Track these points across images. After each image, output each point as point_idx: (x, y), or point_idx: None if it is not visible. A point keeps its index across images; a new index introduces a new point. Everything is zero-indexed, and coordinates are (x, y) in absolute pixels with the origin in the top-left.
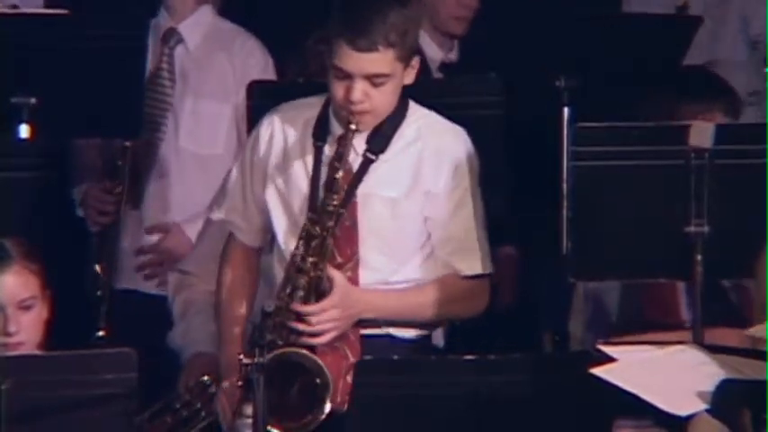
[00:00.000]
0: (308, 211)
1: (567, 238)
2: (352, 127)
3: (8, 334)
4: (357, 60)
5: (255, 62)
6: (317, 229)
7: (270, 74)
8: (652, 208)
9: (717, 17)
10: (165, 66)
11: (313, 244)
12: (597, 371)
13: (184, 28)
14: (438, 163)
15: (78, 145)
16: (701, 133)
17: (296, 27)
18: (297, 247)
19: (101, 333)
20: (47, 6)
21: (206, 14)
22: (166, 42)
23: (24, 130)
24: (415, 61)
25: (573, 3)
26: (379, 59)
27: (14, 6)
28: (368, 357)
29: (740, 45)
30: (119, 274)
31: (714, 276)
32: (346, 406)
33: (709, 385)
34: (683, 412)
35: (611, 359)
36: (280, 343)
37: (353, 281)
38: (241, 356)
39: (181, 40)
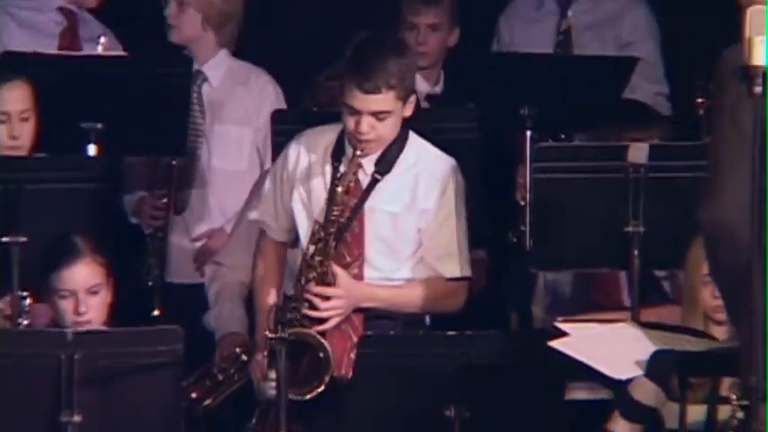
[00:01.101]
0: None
1: (529, 236)
2: (358, 153)
3: (79, 314)
4: (364, 101)
5: (268, 93)
6: (323, 233)
7: (281, 103)
8: (598, 212)
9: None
10: (195, 100)
11: (319, 245)
12: (554, 344)
13: (207, 69)
14: (430, 185)
15: (133, 162)
16: (638, 152)
17: (300, 65)
18: (307, 248)
19: (156, 313)
20: (122, 43)
21: (223, 57)
22: (194, 81)
23: (92, 150)
24: (413, 98)
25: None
26: (382, 100)
27: (99, 37)
28: (369, 333)
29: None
30: (167, 267)
31: (648, 267)
32: (351, 374)
33: (645, 355)
34: (623, 376)
35: (565, 334)
36: (296, 323)
37: (359, 277)
38: (267, 332)
39: (206, 79)
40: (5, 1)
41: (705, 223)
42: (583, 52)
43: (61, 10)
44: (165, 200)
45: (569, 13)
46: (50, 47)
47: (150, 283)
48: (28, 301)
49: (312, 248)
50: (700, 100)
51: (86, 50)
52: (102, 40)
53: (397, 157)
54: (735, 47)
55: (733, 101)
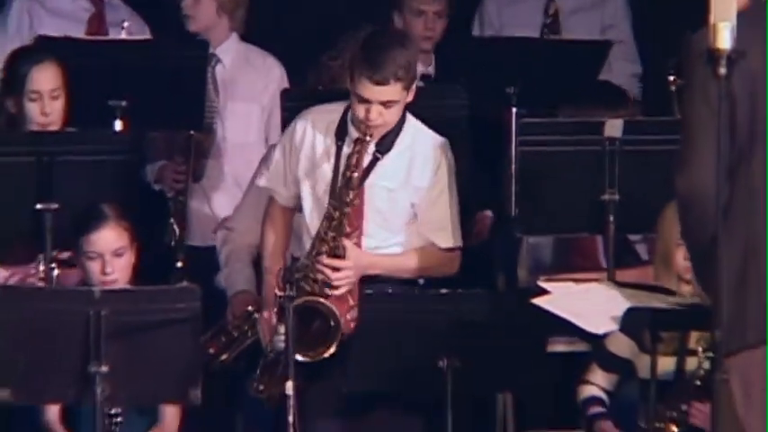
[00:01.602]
0: (329, 198)
1: (515, 204)
2: (368, 138)
3: (106, 274)
4: (373, 91)
5: (274, 74)
6: (336, 213)
7: (285, 82)
8: (577, 181)
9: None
10: (210, 80)
11: (333, 223)
12: (537, 301)
13: (220, 52)
14: (424, 164)
15: (155, 135)
16: (613, 127)
17: (303, 46)
18: (321, 224)
19: (179, 264)
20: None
21: (234, 40)
22: (209, 63)
23: (118, 125)
24: (415, 85)
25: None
26: (390, 90)
27: (123, 22)
28: (369, 291)
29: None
30: (187, 229)
31: (623, 232)
32: (348, 332)
33: (620, 311)
34: (600, 331)
35: (547, 293)
36: (308, 289)
37: (358, 245)
38: (276, 291)
39: (219, 61)
40: None
41: (680, 190)
42: (570, 35)
43: None
44: (184, 167)
45: None
46: (79, 32)
47: (173, 243)
48: (56, 272)
49: (326, 224)
50: (671, 78)
51: (112, 35)
52: (126, 24)
53: (396, 138)
54: (702, 30)
55: (702, 80)
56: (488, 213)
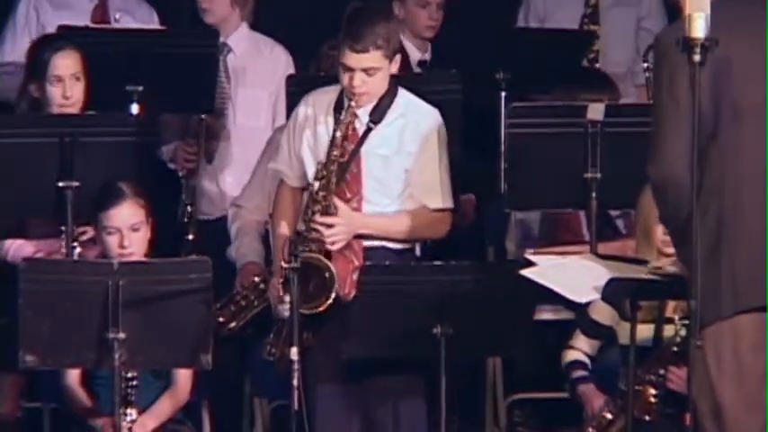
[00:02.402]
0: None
1: (504, 181)
2: (353, 104)
3: (123, 248)
4: (356, 59)
5: (281, 61)
6: (325, 172)
7: (291, 69)
8: (562, 161)
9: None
10: (222, 68)
11: (323, 182)
12: (524, 272)
13: (231, 41)
14: (416, 132)
15: (169, 117)
16: (596, 110)
17: (309, 36)
18: (312, 185)
19: (191, 237)
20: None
21: (244, 30)
22: (221, 52)
23: (135, 109)
24: (397, 57)
25: (509, 18)
26: (371, 58)
27: (116, 20)
28: (368, 263)
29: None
30: (198, 206)
31: (604, 208)
32: (352, 296)
33: (602, 281)
34: (583, 300)
35: (534, 264)
36: (306, 250)
37: (358, 210)
38: (282, 262)
39: (230, 50)
40: None
41: (653, 178)
42: (609, 27)
43: None
44: (195, 148)
45: None
46: (84, 22)
47: (186, 219)
48: (78, 250)
49: (317, 185)
50: (645, 65)
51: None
52: (117, 16)
53: (388, 108)
54: (667, 27)
55: (669, 73)
56: (471, 197)
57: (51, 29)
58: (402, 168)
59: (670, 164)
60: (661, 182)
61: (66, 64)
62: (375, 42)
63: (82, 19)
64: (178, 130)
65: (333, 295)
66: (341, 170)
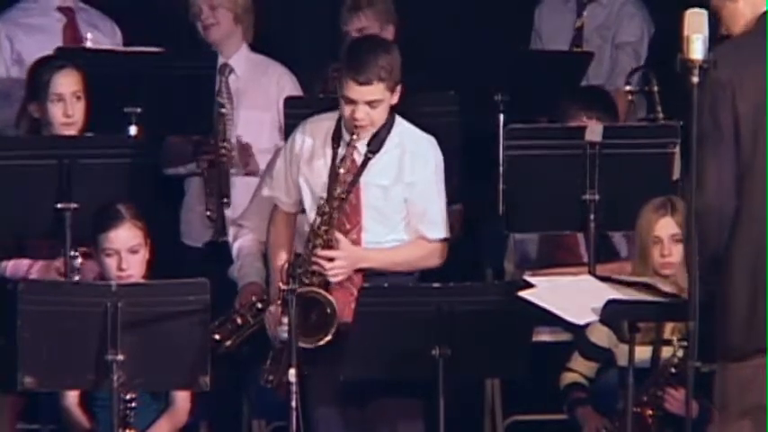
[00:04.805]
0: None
1: (502, 203)
2: (354, 138)
3: (122, 269)
4: (359, 92)
5: (285, 82)
6: (327, 207)
7: (297, 90)
8: (560, 182)
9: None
10: (223, 89)
11: (325, 217)
12: (523, 293)
13: (233, 62)
14: (414, 161)
15: (169, 139)
16: (594, 131)
17: (312, 57)
18: (315, 219)
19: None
20: (125, 43)
21: (245, 50)
22: (222, 73)
23: (133, 130)
24: (398, 88)
25: (510, 41)
26: (374, 90)
27: (88, 39)
28: (366, 285)
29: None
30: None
31: (602, 229)
32: (352, 319)
33: (600, 303)
34: (582, 322)
35: (532, 286)
36: (306, 282)
37: (357, 241)
38: (279, 284)
39: (232, 71)
40: (12, 13)
41: (696, 207)
42: (590, 48)
43: (60, 9)
44: (212, 141)
45: (584, 12)
46: (57, 44)
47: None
48: (79, 260)
49: (318, 220)
50: (627, 88)
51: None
52: (90, 36)
53: (386, 138)
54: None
55: (712, 106)
56: (459, 207)
57: (27, 55)
58: (401, 198)
59: (712, 192)
60: (702, 210)
61: (67, 82)
62: (378, 75)
63: (56, 40)
64: (179, 150)
65: (333, 331)
66: (340, 203)
